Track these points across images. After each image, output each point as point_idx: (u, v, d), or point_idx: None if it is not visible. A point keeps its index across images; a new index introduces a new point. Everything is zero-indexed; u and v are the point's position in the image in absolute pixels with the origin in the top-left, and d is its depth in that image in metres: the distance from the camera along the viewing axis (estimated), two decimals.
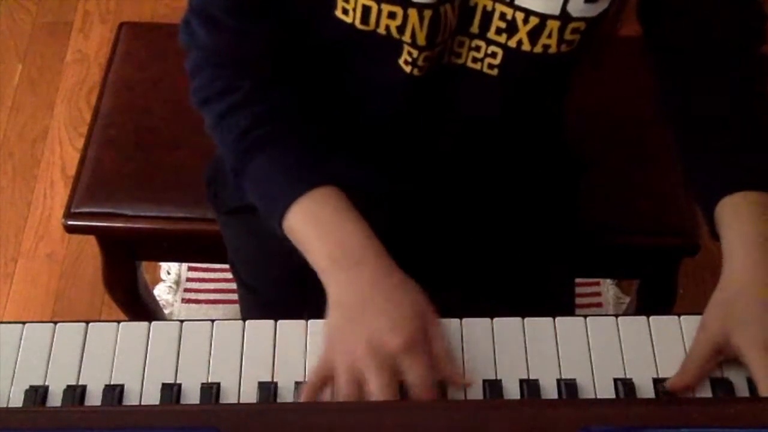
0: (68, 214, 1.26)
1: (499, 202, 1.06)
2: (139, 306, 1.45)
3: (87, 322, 0.84)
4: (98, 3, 2.16)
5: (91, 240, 1.35)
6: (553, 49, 0.86)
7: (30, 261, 1.79)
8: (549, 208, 1.08)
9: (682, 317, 0.85)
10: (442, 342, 0.80)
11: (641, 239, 1.25)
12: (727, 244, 0.85)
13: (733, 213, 0.85)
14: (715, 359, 0.81)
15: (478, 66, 0.89)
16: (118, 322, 0.84)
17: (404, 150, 0.99)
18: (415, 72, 0.88)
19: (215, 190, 1.12)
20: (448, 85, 0.91)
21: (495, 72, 0.89)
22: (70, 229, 1.28)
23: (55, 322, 0.84)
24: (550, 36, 0.85)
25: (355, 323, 0.79)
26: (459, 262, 1.05)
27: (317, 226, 0.84)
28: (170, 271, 1.77)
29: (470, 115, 0.95)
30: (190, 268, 1.78)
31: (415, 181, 1.02)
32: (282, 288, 1.03)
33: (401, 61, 0.88)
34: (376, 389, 0.76)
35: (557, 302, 1.05)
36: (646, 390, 0.80)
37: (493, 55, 0.88)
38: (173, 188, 1.27)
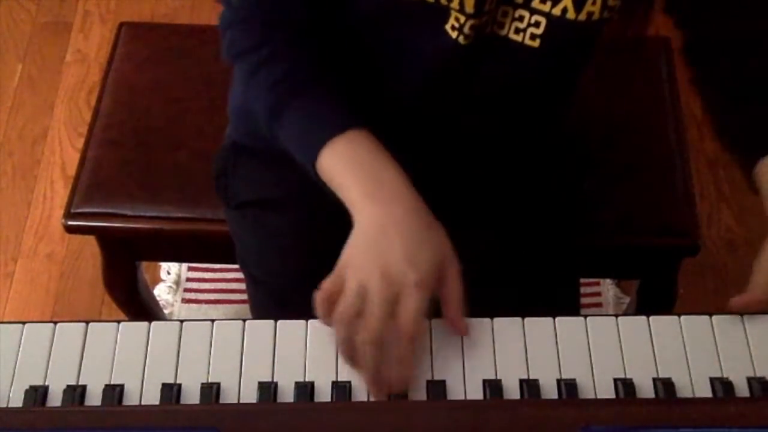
0: (68, 214, 1.26)
1: (508, 192, 1.07)
2: (139, 306, 1.46)
3: (87, 322, 0.84)
4: (98, 3, 2.16)
5: (91, 240, 1.35)
6: (596, 16, 0.87)
7: (30, 261, 1.79)
8: (556, 204, 1.09)
9: (682, 317, 0.85)
10: (458, 285, 0.82)
11: (641, 239, 1.25)
12: None
13: None
14: None
15: (519, 37, 0.90)
16: (118, 322, 0.84)
17: (431, 124, 1.00)
18: (461, 39, 0.89)
19: (225, 182, 1.12)
20: (488, 56, 0.92)
21: (536, 43, 0.90)
22: (70, 229, 1.28)
23: (55, 322, 0.84)
24: (594, 2, 0.86)
25: (374, 249, 0.81)
26: (462, 256, 1.05)
27: (353, 163, 0.85)
28: (170, 271, 1.77)
29: (504, 90, 0.96)
30: (190, 268, 1.78)
31: (431, 158, 1.02)
32: (292, 281, 1.03)
33: (448, 27, 0.89)
34: (374, 307, 0.78)
35: (563, 302, 1.05)
36: (646, 390, 0.80)
37: (536, 24, 0.89)
38: (173, 188, 1.27)
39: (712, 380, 0.81)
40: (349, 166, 0.85)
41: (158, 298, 1.68)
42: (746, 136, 0.93)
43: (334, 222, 0.88)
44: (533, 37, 0.90)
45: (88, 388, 0.80)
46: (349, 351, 0.79)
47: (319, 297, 0.81)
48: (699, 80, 0.99)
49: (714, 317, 0.85)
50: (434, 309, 0.94)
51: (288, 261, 1.01)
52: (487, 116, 1.00)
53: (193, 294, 1.75)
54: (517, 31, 0.90)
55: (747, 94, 0.94)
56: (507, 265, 1.03)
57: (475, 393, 0.80)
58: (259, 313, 1.07)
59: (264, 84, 0.91)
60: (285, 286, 1.04)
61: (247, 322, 0.84)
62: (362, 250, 0.81)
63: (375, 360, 0.78)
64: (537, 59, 0.92)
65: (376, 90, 0.98)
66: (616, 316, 0.86)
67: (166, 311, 1.68)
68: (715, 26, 0.96)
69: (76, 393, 0.79)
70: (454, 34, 0.89)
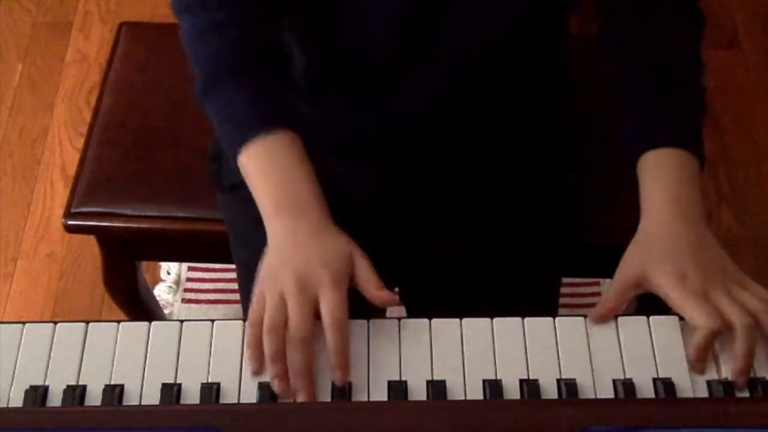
0: (68, 214, 1.26)
1: (487, 184, 1.07)
2: (139, 306, 1.45)
3: (87, 322, 0.84)
4: (98, 3, 2.16)
5: (91, 240, 1.35)
6: None
7: (30, 261, 1.79)
8: (535, 204, 1.08)
9: (681, 317, 0.85)
10: (368, 268, 0.85)
11: None
12: (644, 197, 0.91)
13: (652, 168, 0.91)
14: (631, 292, 0.87)
15: None
16: (118, 322, 0.84)
17: (405, 89, 0.99)
18: None
19: (219, 165, 1.12)
20: (447, 7, 0.92)
21: None
22: (70, 229, 1.28)
23: (55, 322, 0.84)
24: None
25: (288, 260, 0.84)
26: (440, 254, 1.06)
27: (269, 169, 0.88)
28: (170, 271, 1.77)
29: (471, 44, 0.95)
30: (190, 268, 1.78)
31: (414, 135, 1.02)
32: None
33: None
34: (295, 307, 0.80)
35: (540, 301, 1.05)
36: (646, 390, 0.80)
37: None
38: (173, 188, 1.27)
39: (712, 381, 0.81)
40: (264, 173, 0.88)
41: (158, 298, 1.68)
42: (628, 130, 0.95)
43: None
44: None
45: (88, 388, 0.80)
46: (281, 366, 0.80)
47: (248, 330, 0.82)
48: (603, 54, 1.01)
49: None
50: (431, 309, 0.94)
51: None
52: (465, 76, 0.99)
53: (193, 294, 1.75)
54: None
55: (636, 79, 0.96)
56: (483, 264, 1.04)
57: (475, 393, 0.80)
58: (247, 301, 1.07)
59: (206, 50, 0.92)
60: None
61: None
62: (277, 266, 0.85)
63: (306, 361, 0.79)
64: (496, 6, 0.92)
65: (348, 50, 0.98)
66: (616, 316, 0.86)
67: (166, 311, 1.68)
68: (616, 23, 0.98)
69: (76, 393, 0.79)
70: None
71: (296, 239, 0.85)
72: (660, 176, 0.91)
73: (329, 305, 0.81)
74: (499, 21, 0.94)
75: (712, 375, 0.82)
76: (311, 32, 1.00)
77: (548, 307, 1.06)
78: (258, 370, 0.81)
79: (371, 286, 0.84)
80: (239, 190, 1.08)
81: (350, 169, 1.03)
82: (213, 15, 0.92)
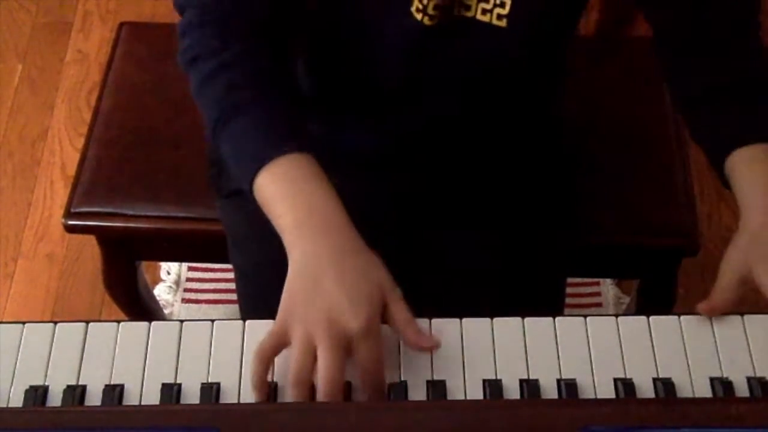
0: (68, 214, 1.26)
1: (493, 190, 1.07)
2: (139, 306, 1.46)
3: (87, 322, 0.84)
4: (98, 3, 2.16)
5: (91, 240, 1.35)
6: None
7: (30, 261, 1.79)
8: (540, 205, 1.08)
9: (682, 317, 0.85)
10: (404, 309, 0.81)
11: (641, 239, 1.25)
12: (742, 192, 0.89)
13: (745, 165, 0.90)
14: (739, 289, 0.85)
15: (487, 18, 0.91)
16: (118, 322, 0.84)
17: (411, 111, 1.00)
18: (426, 21, 0.90)
19: (218, 170, 1.12)
20: (458, 39, 0.93)
21: (504, 23, 0.91)
22: (70, 229, 1.28)
23: (55, 322, 0.84)
24: None
25: (314, 293, 0.79)
26: (445, 256, 1.06)
27: (288, 189, 0.85)
28: (170, 271, 1.77)
29: (478, 73, 0.97)
30: (190, 268, 1.78)
31: (418, 149, 1.03)
32: (275, 272, 1.03)
33: (413, 9, 0.90)
34: (324, 367, 0.76)
35: (545, 301, 1.05)
36: (646, 390, 0.80)
37: (502, 5, 0.90)
38: (173, 188, 1.27)
39: (712, 380, 0.81)
40: (283, 191, 0.85)
41: (158, 298, 1.68)
42: (715, 131, 0.95)
43: None
44: (500, 17, 0.91)
45: (88, 388, 0.80)
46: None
47: (260, 351, 0.79)
48: (668, 73, 1.01)
49: (714, 317, 0.85)
50: (432, 309, 0.94)
51: (271, 250, 1.02)
52: (469, 99, 1.00)
53: (193, 294, 1.75)
54: (484, 12, 0.91)
55: (716, 89, 0.95)
56: (489, 264, 1.04)
57: (475, 393, 0.80)
58: (245, 307, 1.07)
59: (215, 92, 0.91)
60: (269, 277, 1.03)
61: (247, 322, 0.84)
62: (302, 299, 0.80)
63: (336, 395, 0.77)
64: (508, 39, 0.92)
65: (356, 76, 0.99)
66: (616, 316, 0.86)
67: (166, 311, 1.68)
68: (683, 17, 0.96)
69: (76, 393, 0.79)
70: (419, 16, 0.90)
71: (320, 262, 0.81)
72: (755, 172, 0.89)
73: (367, 359, 0.78)
74: (507, 39, 0.94)
75: (713, 373, 0.82)
76: (322, 59, 1.00)
77: (554, 308, 1.06)
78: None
79: (410, 330, 0.81)
80: (238, 196, 1.08)
81: (353, 179, 1.03)
82: (220, 58, 0.91)
